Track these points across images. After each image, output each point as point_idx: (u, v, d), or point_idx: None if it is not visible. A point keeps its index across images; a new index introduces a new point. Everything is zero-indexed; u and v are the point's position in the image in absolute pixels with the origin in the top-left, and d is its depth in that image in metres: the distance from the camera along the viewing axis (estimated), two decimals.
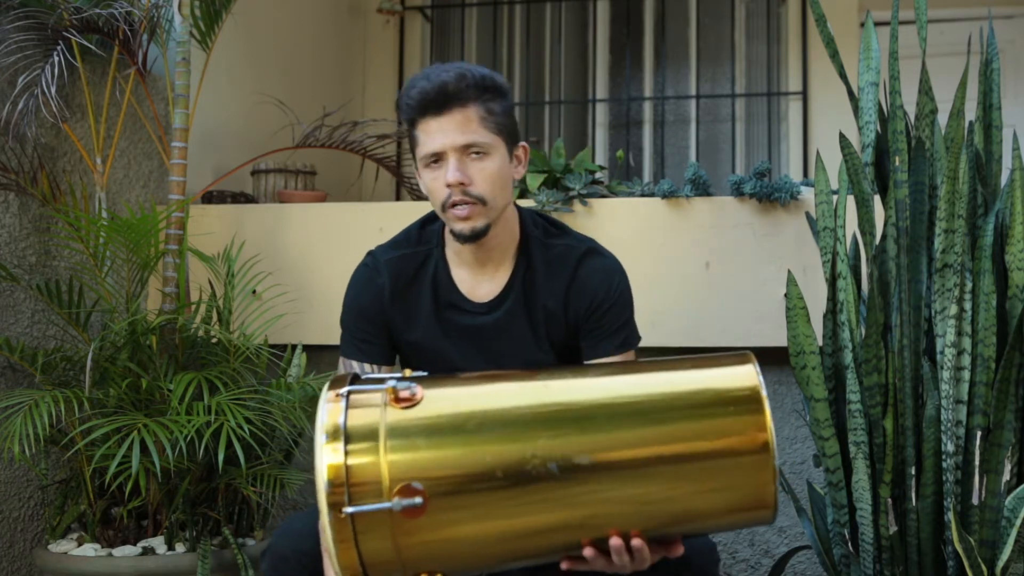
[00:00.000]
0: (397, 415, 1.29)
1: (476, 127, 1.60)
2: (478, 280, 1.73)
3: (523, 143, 1.72)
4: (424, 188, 1.67)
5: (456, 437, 1.29)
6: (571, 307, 1.72)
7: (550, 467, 1.26)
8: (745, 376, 1.34)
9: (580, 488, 1.27)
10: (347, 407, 1.29)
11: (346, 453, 1.25)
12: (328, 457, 1.24)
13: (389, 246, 1.79)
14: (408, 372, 1.40)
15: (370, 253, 1.80)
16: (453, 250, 1.74)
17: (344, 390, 1.31)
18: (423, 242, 1.77)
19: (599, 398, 1.35)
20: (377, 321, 1.75)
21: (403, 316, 1.74)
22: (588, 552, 1.30)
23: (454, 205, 1.61)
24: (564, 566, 1.34)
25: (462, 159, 1.60)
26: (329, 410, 1.28)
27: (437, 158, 1.61)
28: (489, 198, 1.62)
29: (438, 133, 1.60)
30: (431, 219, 1.80)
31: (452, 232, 1.66)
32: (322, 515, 1.23)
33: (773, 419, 1.30)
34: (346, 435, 1.26)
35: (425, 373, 1.43)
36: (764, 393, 1.31)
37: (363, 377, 1.38)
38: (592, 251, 1.75)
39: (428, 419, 1.30)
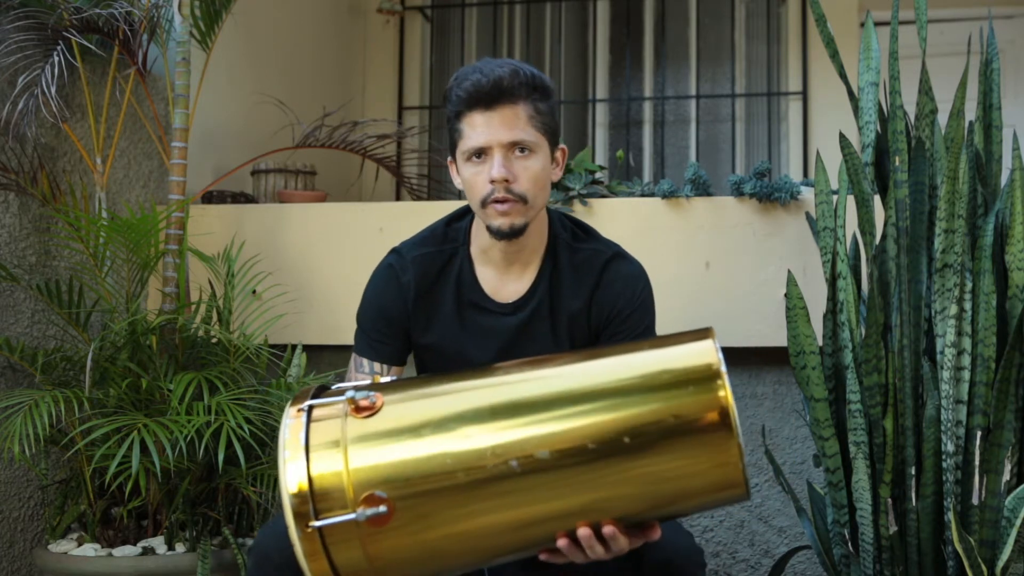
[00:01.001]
0: (358, 425, 1.30)
1: (524, 125, 1.59)
2: (503, 280, 1.72)
3: (562, 145, 1.71)
4: (461, 183, 1.66)
5: (416, 442, 1.29)
6: (594, 311, 1.71)
7: (511, 464, 1.26)
8: (703, 352, 1.30)
9: (543, 481, 1.26)
10: (308, 421, 1.30)
11: (308, 467, 1.26)
12: (291, 472, 1.26)
13: (415, 243, 1.76)
14: (377, 379, 1.41)
15: (395, 251, 1.77)
16: (480, 248, 1.72)
17: (305, 405, 1.32)
18: (449, 240, 1.75)
19: (556, 388, 1.34)
20: (396, 321, 1.73)
21: (425, 315, 1.73)
22: (562, 543, 1.30)
23: (495, 201, 1.59)
24: (542, 558, 1.34)
25: (507, 156, 1.59)
26: (291, 426, 1.30)
27: (481, 153, 1.60)
28: (531, 197, 1.61)
29: (485, 128, 1.58)
30: (457, 217, 1.78)
31: (489, 228, 1.63)
32: (290, 530, 1.24)
33: (734, 394, 1.27)
34: (307, 449, 1.27)
35: (393, 378, 1.43)
36: (723, 368, 1.28)
37: (331, 388, 1.39)
38: (618, 256, 1.74)
39: (387, 427, 1.30)
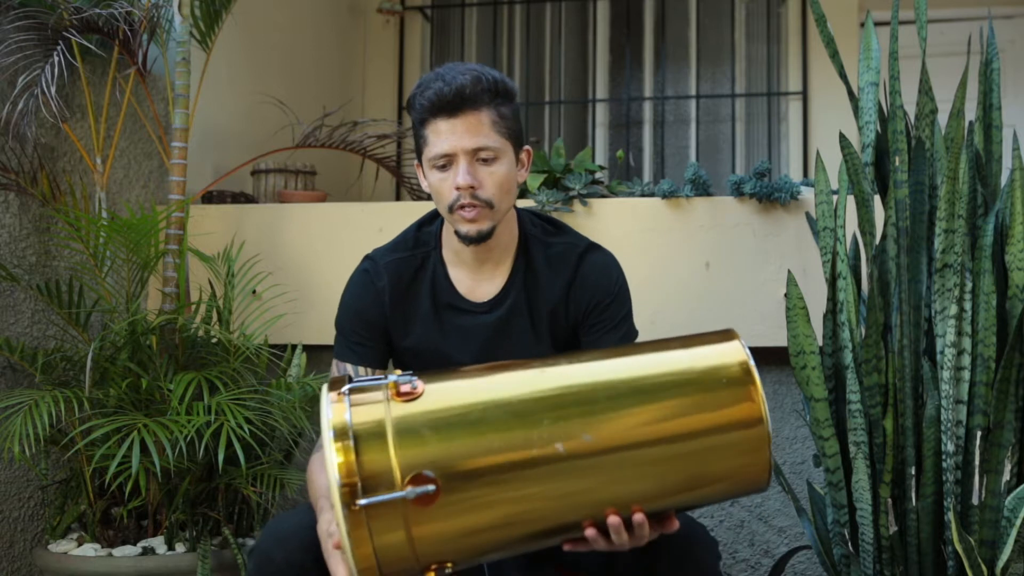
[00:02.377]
0: (401, 408, 1.31)
1: (488, 131, 1.61)
2: (477, 280, 1.74)
3: (527, 147, 1.73)
4: (428, 188, 1.68)
5: (462, 426, 1.31)
6: (572, 304, 1.74)
7: (557, 449, 1.29)
8: (734, 351, 1.40)
9: (586, 468, 1.30)
10: (350, 404, 1.31)
11: (356, 448, 1.26)
12: (338, 453, 1.26)
13: (387, 249, 1.79)
14: (399, 372, 1.41)
15: (368, 257, 1.80)
16: (452, 250, 1.74)
17: (345, 388, 1.33)
18: (421, 244, 1.78)
19: (597, 380, 1.38)
20: (375, 324, 1.75)
21: (402, 319, 1.75)
22: (590, 533, 1.32)
23: (462, 207, 1.62)
24: (566, 548, 1.36)
25: (472, 162, 1.61)
26: (334, 408, 1.30)
27: (446, 160, 1.62)
28: (497, 202, 1.63)
29: (449, 135, 1.60)
30: (427, 221, 1.81)
31: (457, 233, 1.66)
32: (336, 511, 1.24)
33: (767, 403, 1.37)
34: (354, 431, 1.27)
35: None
36: (752, 364, 1.38)
37: (359, 377, 1.39)
38: (592, 248, 1.78)
39: (432, 411, 1.32)
